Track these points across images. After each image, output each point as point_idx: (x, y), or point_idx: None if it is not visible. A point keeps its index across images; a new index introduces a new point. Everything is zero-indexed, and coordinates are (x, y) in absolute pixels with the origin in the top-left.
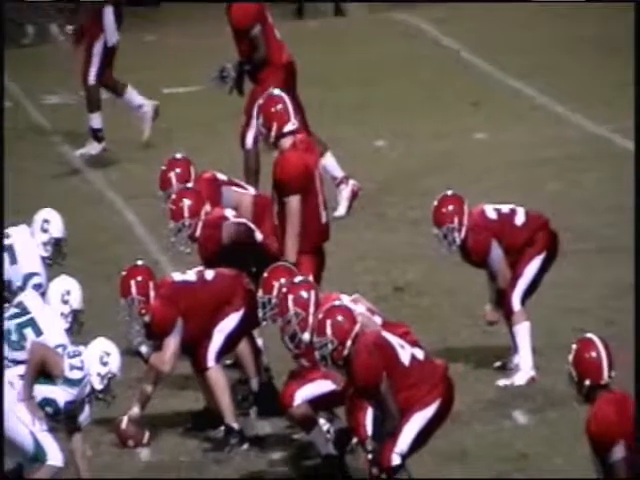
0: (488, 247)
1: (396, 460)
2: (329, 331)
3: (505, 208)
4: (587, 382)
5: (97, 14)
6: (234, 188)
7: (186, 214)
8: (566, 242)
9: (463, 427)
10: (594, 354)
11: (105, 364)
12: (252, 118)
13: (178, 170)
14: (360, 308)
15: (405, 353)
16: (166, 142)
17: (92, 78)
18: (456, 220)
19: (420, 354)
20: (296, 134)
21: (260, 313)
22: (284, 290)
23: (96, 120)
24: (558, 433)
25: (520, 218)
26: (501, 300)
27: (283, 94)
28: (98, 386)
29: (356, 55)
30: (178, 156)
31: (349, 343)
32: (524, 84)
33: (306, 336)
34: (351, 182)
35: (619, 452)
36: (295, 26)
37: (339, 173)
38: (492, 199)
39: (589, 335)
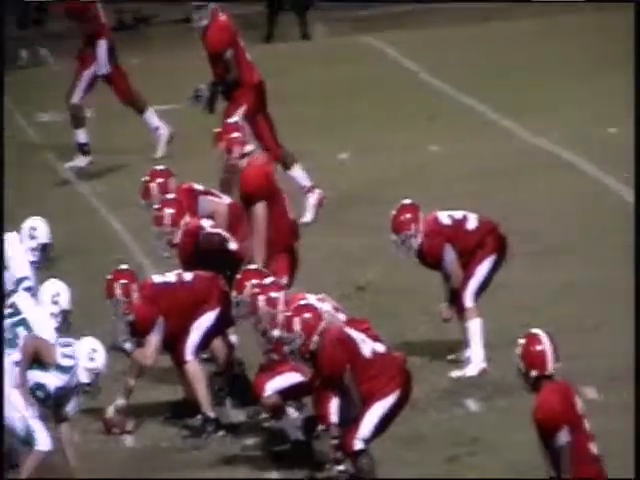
0: (442, 251)
1: (359, 445)
2: (297, 327)
3: (458, 214)
4: (533, 373)
5: (92, 44)
6: (210, 197)
7: (167, 222)
8: (514, 245)
9: (420, 414)
10: (540, 347)
11: (92, 360)
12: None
13: (159, 181)
14: (326, 306)
15: (367, 347)
16: (150, 155)
17: (76, 98)
18: (413, 227)
19: (380, 348)
20: (252, 155)
21: (234, 312)
22: (255, 291)
23: (81, 135)
24: (507, 420)
25: (472, 223)
26: (455, 299)
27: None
28: (85, 380)
29: (322, 75)
30: (159, 168)
31: (316, 338)
32: (476, 101)
33: (276, 332)
34: (317, 191)
35: (564, 437)
36: (265, 49)
37: (307, 183)
38: (447, 207)
39: (535, 330)
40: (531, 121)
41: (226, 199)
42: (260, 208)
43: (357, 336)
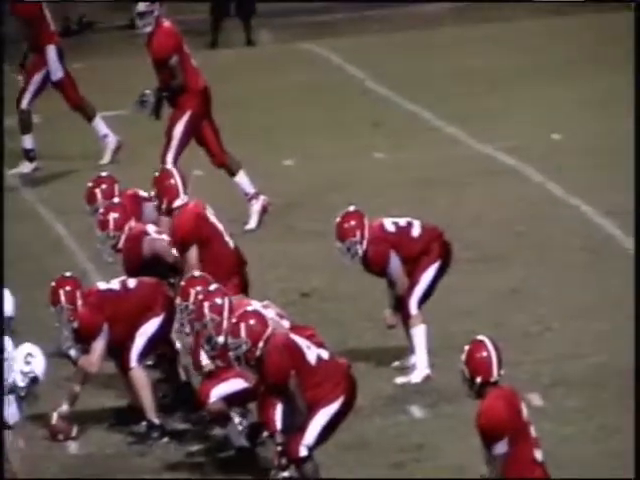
0: (387, 258)
1: (303, 452)
2: (243, 333)
3: (402, 221)
4: (478, 380)
5: (41, 50)
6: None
7: (112, 226)
8: (458, 251)
9: (364, 421)
10: (484, 354)
11: (28, 363)
12: (172, 140)
13: (104, 186)
14: (270, 313)
15: (311, 353)
16: (95, 161)
17: (25, 103)
18: (358, 234)
19: (325, 354)
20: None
21: (178, 318)
22: (200, 297)
23: (28, 141)
24: (451, 426)
25: (416, 230)
26: (399, 305)
27: (175, 170)
28: (20, 383)
29: (266, 82)
30: (104, 174)
31: (261, 344)
32: (421, 108)
33: (221, 339)
34: (261, 198)
35: (502, 447)
36: (210, 55)
37: (251, 189)
38: (391, 213)
39: (480, 337)
40: (476, 128)
41: None
42: (193, 253)
43: (302, 343)
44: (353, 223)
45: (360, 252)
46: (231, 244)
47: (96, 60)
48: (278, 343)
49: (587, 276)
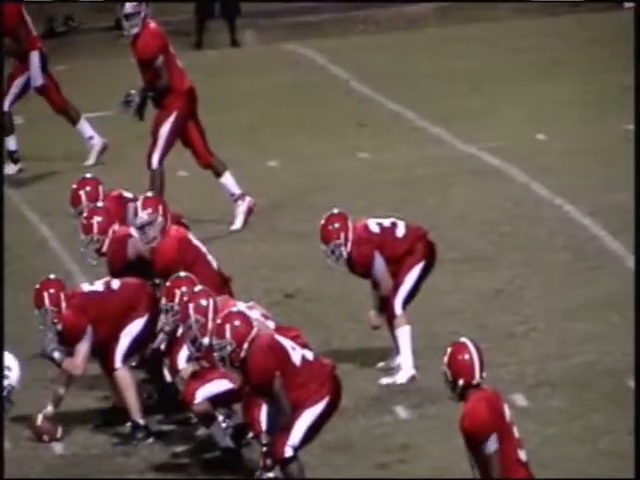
0: (372, 258)
1: (288, 452)
2: (228, 334)
3: (386, 222)
4: (460, 382)
5: (24, 55)
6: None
7: (95, 230)
8: (442, 252)
9: (349, 421)
10: (467, 356)
11: (6, 378)
12: (158, 140)
13: (88, 189)
14: (255, 314)
15: (296, 354)
16: (79, 162)
17: (7, 105)
18: (342, 236)
19: (310, 355)
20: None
21: (163, 319)
22: (185, 298)
23: (11, 143)
24: (436, 427)
25: (400, 230)
26: (384, 306)
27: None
28: None
29: (250, 82)
30: (88, 176)
31: (246, 345)
32: (406, 108)
33: (206, 340)
34: (247, 199)
35: (493, 444)
36: (195, 56)
37: (237, 190)
38: (375, 214)
39: (463, 339)
40: (460, 128)
41: None
42: None
43: (287, 343)
44: (337, 225)
45: (345, 254)
46: (214, 264)
47: (80, 61)
48: (263, 344)
49: (571, 276)
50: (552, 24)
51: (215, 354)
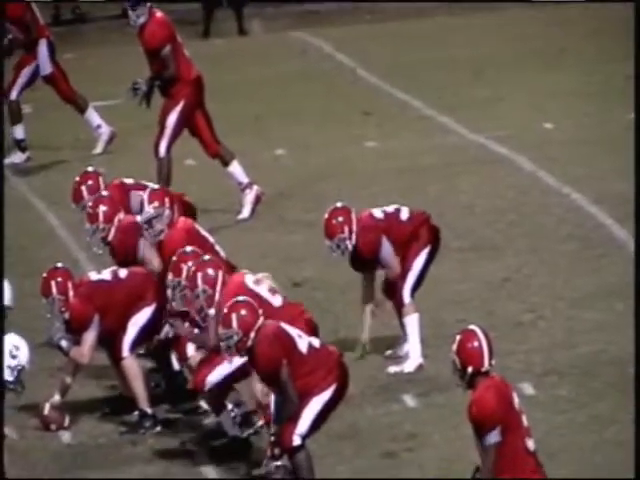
0: (378, 244)
1: (297, 441)
2: (235, 324)
3: (390, 208)
4: (469, 369)
5: (32, 44)
6: (141, 192)
7: (101, 219)
8: (449, 240)
9: (356, 410)
10: (476, 343)
11: (15, 357)
12: (165, 129)
13: (90, 182)
14: (262, 289)
15: (303, 342)
16: (86, 151)
17: (14, 94)
18: (346, 229)
19: (316, 342)
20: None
21: (170, 294)
22: (193, 268)
23: (19, 131)
24: (443, 415)
25: (404, 214)
26: (391, 293)
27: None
28: (9, 377)
29: (257, 71)
30: (90, 169)
31: (252, 335)
32: (413, 97)
33: (212, 311)
34: (255, 188)
35: (494, 437)
36: (202, 45)
37: (244, 179)
38: (381, 202)
39: (471, 326)
40: (467, 117)
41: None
42: None
43: (293, 332)
44: (341, 219)
45: (350, 247)
46: (222, 254)
47: (87, 50)
48: (269, 333)
49: (578, 265)
50: (558, 13)
51: (222, 343)
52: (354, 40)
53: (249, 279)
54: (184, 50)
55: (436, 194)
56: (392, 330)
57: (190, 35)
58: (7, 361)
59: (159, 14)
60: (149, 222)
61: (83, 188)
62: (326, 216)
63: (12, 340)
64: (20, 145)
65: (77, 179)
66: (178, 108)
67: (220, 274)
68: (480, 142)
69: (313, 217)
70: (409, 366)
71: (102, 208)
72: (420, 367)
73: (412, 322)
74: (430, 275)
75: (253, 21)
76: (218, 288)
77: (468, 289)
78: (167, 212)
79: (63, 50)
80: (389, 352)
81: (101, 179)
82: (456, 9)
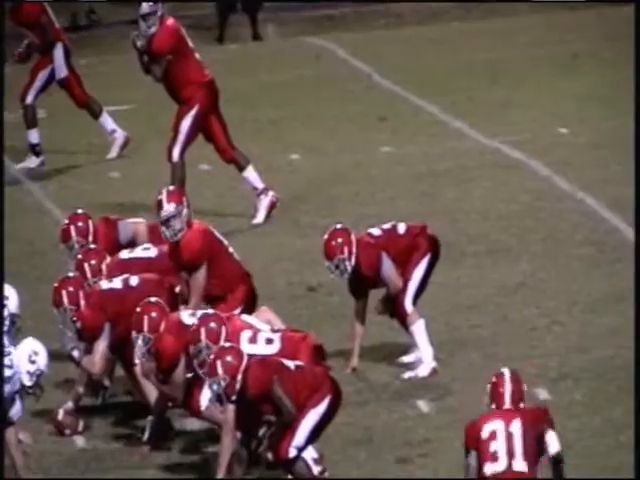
0: (379, 259)
1: (292, 453)
2: (220, 371)
3: (387, 224)
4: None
5: (48, 47)
6: (128, 221)
7: (89, 274)
8: (464, 245)
9: (370, 415)
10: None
11: (34, 362)
12: (178, 134)
13: (79, 224)
14: (260, 323)
15: (289, 363)
16: (101, 156)
17: (30, 99)
18: (346, 250)
19: (301, 363)
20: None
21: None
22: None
23: (34, 136)
24: (457, 420)
25: (402, 229)
26: (393, 306)
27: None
28: (28, 382)
29: (273, 76)
30: (79, 211)
31: (239, 377)
32: (427, 102)
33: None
34: (270, 193)
35: (471, 459)
36: (217, 50)
37: (260, 184)
38: (396, 207)
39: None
40: (482, 121)
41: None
42: (202, 273)
43: (276, 358)
44: (340, 240)
45: (349, 268)
46: (235, 256)
47: (102, 55)
48: (256, 361)
49: (593, 269)
50: (572, 18)
51: (210, 391)
52: (369, 45)
53: (247, 319)
54: (195, 55)
55: (451, 199)
56: (406, 336)
57: (205, 40)
58: (26, 366)
59: (170, 21)
60: (167, 221)
61: (72, 228)
62: (325, 237)
63: (31, 345)
64: (34, 149)
65: (66, 220)
66: (192, 113)
67: (224, 328)
68: (495, 147)
69: (328, 222)
70: (423, 370)
71: (91, 262)
72: (434, 371)
73: (419, 329)
74: (444, 279)
75: (268, 26)
76: (221, 342)
77: (483, 294)
78: (186, 211)
79: (78, 55)
80: (404, 358)
81: (90, 222)
82: (470, 14)
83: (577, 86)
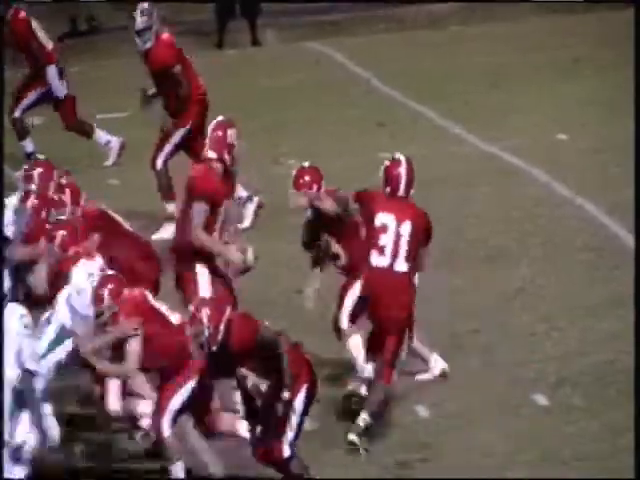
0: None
1: (287, 452)
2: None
3: None
4: None
5: (40, 71)
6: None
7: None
8: (463, 251)
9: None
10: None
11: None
12: (166, 145)
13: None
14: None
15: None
16: (101, 162)
17: (18, 113)
18: (315, 188)
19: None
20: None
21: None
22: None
23: (29, 145)
24: (456, 425)
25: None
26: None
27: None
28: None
29: (272, 81)
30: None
31: (222, 327)
32: (427, 107)
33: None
34: (255, 198)
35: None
36: (216, 56)
37: (243, 193)
38: None
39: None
40: (481, 127)
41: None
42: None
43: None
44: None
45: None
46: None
47: (99, 61)
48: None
49: (592, 275)
50: (572, 22)
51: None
52: (368, 50)
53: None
54: (193, 68)
55: (450, 205)
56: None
57: (204, 46)
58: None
59: (165, 35)
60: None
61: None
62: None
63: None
64: (31, 158)
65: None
66: (186, 126)
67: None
68: (494, 152)
69: None
70: (424, 376)
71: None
72: (434, 377)
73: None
74: (443, 285)
75: (267, 31)
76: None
77: (482, 299)
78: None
79: (75, 61)
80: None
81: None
82: (469, 19)
83: (577, 91)
